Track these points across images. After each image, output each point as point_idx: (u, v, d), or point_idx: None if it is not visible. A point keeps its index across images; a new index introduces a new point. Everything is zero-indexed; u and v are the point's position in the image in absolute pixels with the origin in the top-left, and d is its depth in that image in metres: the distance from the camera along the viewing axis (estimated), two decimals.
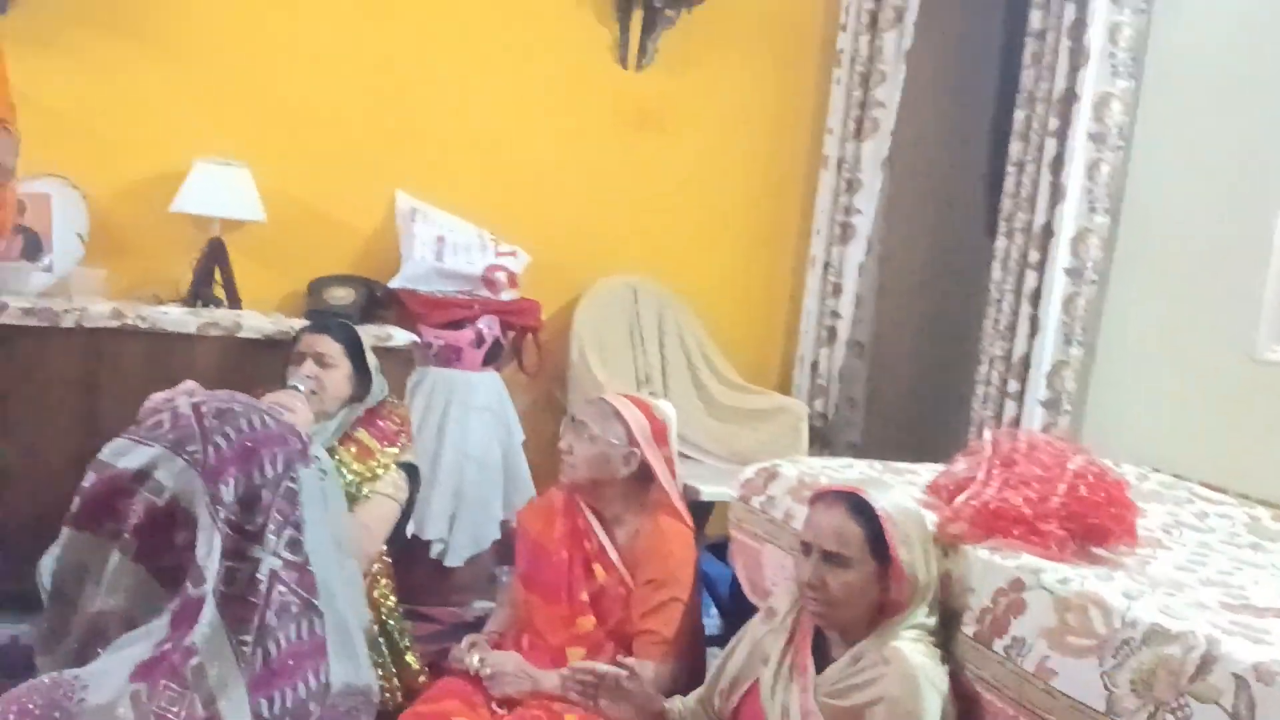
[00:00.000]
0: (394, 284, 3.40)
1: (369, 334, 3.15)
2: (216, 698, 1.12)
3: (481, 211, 3.58)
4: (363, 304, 3.31)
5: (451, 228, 3.50)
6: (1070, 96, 3.18)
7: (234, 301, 3.18)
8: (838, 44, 3.97)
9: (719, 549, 3.07)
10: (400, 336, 3.22)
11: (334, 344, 2.69)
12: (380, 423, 2.74)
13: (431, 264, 3.42)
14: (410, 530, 3.28)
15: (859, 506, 1.89)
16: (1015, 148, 3.38)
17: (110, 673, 1.10)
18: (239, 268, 3.20)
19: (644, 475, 2.52)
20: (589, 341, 3.67)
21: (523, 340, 3.62)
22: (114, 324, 2.88)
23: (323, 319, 2.92)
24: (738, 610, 2.71)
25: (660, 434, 2.56)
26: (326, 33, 3.40)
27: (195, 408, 1.12)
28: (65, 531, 1.10)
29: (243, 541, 1.15)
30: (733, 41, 3.94)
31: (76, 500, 1.10)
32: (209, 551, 1.10)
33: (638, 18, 3.77)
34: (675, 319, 3.91)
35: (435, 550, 3.36)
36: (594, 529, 2.51)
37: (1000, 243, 3.40)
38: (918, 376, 4.42)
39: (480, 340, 3.43)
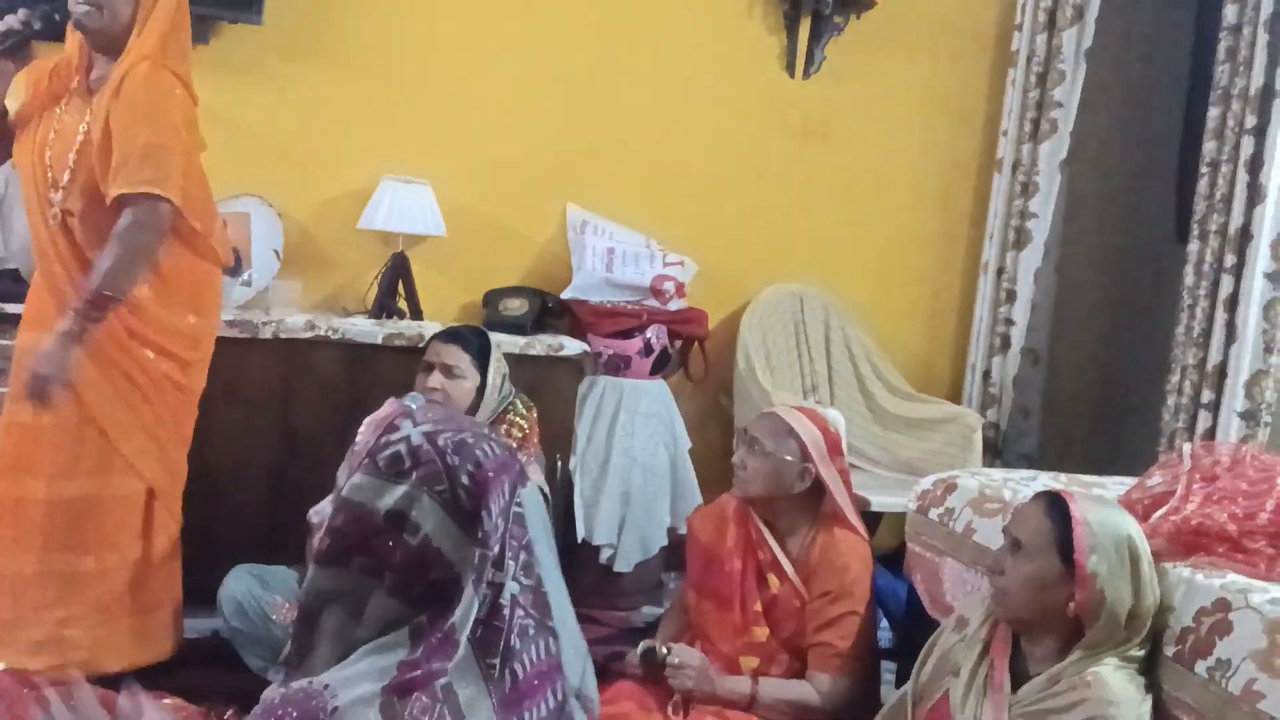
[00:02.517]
0: (565, 294, 3.48)
1: (541, 343, 3.24)
2: (465, 716, 1.14)
3: (650, 222, 3.62)
4: (535, 314, 3.39)
5: (621, 239, 3.56)
6: (1269, 92, 3.01)
7: (416, 313, 3.29)
8: (1012, 44, 3.85)
9: (888, 560, 3.02)
10: (571, 346, 3.29)
11: (463, 355, 2.62)
12: None
13: (602, 275, 3.48)
14: (580, 535, 3.36)
15: (1057, 505, 1.86)
16: (1209, 147, 3.21)
17: (359, 682, 1.13)
18: (420, 280, 3.32)
19: (818, 489, 2.50)
20: (755, 350, 3.67)
21: (690, 349, 3.65)
22: (308, 334, 3.03)
23: (455, 328, 2.82)
24: (911, 623, 2.66)
25: (834, 447, 2.53)
26: (503, 56, 3.50)
27: (431, 440, 1.14)
28: (313, 568, 1.12)
29: (490, 569, 1.18)
30: (901, 46, 3.88)
31: (327, 540, 1.12)
32: (470, 584, 1.14)
33: (805, 26, 3.75)
34: (841, 326, 3.87)
35: (604, 555, 3.41)
36: (767, 540, 2.50)
37: (1193, 246, 3.24)
38: (1097, 386, 4.24)
39: (648, 349, 3.47)
